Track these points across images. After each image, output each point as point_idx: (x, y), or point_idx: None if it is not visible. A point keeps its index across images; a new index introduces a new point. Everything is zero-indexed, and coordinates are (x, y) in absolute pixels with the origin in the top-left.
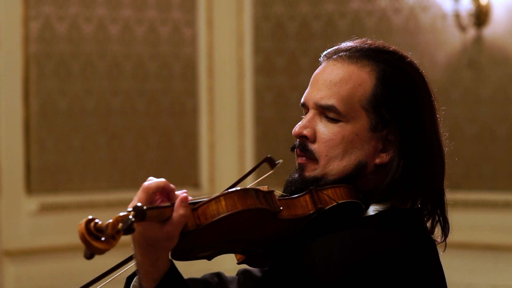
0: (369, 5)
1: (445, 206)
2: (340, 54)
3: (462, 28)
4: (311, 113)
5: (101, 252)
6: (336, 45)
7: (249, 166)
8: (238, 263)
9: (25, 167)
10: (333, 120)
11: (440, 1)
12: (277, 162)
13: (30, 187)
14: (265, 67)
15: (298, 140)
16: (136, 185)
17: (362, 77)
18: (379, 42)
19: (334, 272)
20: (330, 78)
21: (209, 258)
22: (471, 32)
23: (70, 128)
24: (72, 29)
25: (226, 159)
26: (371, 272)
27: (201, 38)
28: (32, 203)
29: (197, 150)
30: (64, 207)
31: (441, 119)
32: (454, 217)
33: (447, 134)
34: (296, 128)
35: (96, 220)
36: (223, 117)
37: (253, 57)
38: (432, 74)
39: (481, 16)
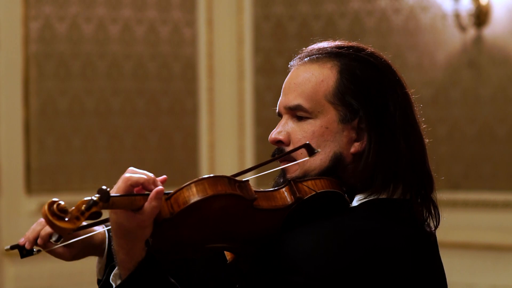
0: (369, 5)
1: (433, 187)
2: (303, 60)
3: (462, 28)
4: (284, 118)
5: (65, 231)
6: (299, 53)
7: (249, 166)
8: (229, 263)
9: (25, 167)
10: (303, 118)
11: (440, 1)
12: (316, 151)
13: (30, 187)
14: (265, 67)
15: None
16: None
17: (324, 73)
18: (339, 41)
19: (313, 262)
20: (295, 81)
21: (196, 256)
22: (471, 32)
23: (70, 128)
24: (72, 29)
25: (226, 159)
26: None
27: (201, 38)
28: (32, 203)
29: (197, 150)
30: None
31: (414, 98)
32: (454, 217)
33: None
34: (272, 135)
35: (59, 202)
36: (223, 117)
37: (253, 57)
38: (432, 74)
39: (481, 16)
